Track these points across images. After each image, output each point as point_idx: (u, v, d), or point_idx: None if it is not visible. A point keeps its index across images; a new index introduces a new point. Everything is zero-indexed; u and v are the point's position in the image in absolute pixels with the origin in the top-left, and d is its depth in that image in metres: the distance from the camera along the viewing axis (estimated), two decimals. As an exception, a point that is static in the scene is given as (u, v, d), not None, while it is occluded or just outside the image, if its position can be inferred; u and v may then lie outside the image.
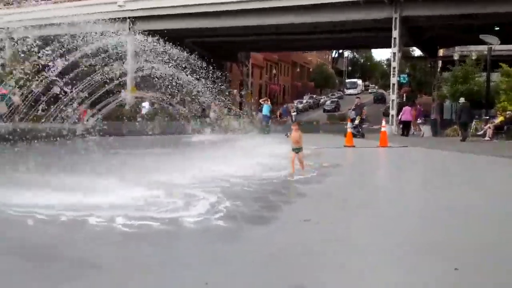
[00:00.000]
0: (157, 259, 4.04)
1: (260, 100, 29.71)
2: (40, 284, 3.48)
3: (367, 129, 27.35)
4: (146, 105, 28.90)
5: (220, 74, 26.14)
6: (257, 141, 16.51)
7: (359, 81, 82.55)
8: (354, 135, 18.49)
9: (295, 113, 40.49)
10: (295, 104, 53.81)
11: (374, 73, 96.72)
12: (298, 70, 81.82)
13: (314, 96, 71.86)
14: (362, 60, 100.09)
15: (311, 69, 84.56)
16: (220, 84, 23.18)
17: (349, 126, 17.47)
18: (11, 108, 18.47)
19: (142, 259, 4.03)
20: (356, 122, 20.56)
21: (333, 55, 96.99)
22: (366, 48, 79.91)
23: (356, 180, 9.38)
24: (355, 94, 53.54)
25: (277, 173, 9.03)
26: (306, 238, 4.77)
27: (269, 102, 27.30)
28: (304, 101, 62.32)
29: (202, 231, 4.90)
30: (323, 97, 72.17)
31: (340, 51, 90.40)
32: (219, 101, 22.88)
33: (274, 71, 72.91)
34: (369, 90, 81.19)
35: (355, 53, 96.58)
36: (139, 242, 4.55)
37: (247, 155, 11.31)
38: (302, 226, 5.22)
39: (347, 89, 77.94)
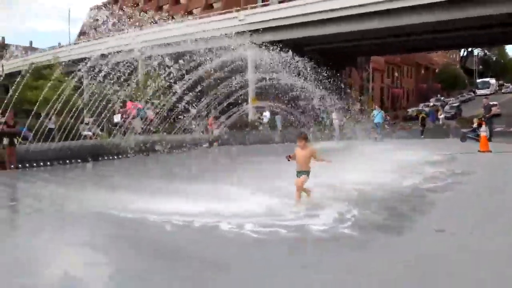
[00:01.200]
0: (285, 264, 4.10)
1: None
2: (177, 282, 3.74)
3: (503, 131, 25.11)
4: (267, 114, 29.63)
5: (339, 80, 25.93)
6: (380, 147, 16.06)
7: (492, 81, 75.87)
8: (474, 139, 17.33)
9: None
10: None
11: (509, 71, 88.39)
12: (423, 71, 77.93)
13: (442, 98, 67.77)
14: (494, 58, 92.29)
15: (437, 70, 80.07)
16: (340, 90, 22.98)
17: (482, 129, 16.11)
18: (145, 122, 20.05)
19: (270, 264, 4.12)
20: (475, 125, 19.09)
21: (461, 54, 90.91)
22: (499, 45, 73.71)
23: (490, 187, 8.57)
24: (488, 95, 49.50)
25: (406, 180, 8.64)
26: (438, 249, 4.49)
27: (381, 110, 26.49)
28: (431, 104, 58.95)
29: (330, 239, 4.85)
30: (451, 99, 67.74)
31: (470, 49, 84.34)
32: (339, 108, 22.67)
33: (396, 74, 70.33)
34: (503, 90, 74.48)
35: (486, 51, 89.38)
36: (268, 247, 4.65)
37: (370, 162, 11.00)
38: (434, 237, 4.93)
39: (478, 89, 72.29)
